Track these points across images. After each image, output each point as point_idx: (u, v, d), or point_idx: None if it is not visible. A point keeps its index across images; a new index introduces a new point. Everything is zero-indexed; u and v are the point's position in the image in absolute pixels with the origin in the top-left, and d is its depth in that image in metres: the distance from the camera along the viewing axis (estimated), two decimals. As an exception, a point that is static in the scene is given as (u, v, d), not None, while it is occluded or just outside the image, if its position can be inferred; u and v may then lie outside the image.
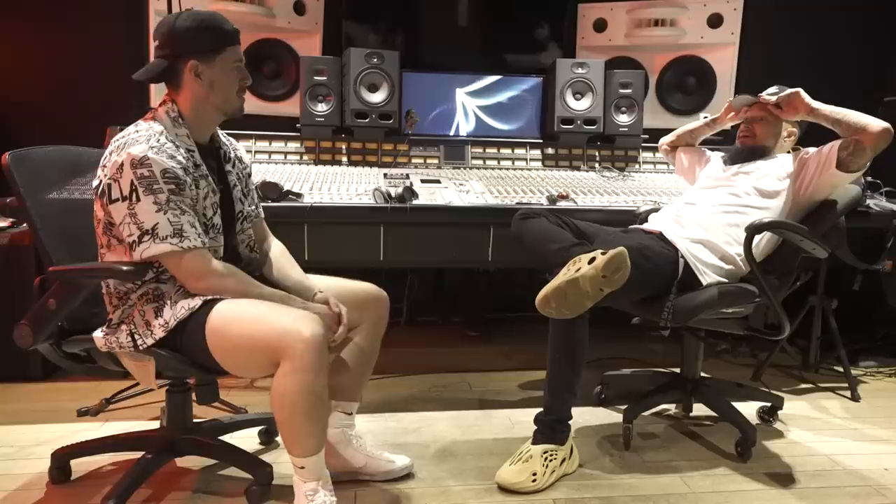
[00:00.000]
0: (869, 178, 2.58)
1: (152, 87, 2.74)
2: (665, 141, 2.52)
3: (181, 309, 1.48)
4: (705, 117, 2.47)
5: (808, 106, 1.96)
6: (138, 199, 1.43)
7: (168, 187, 1.44)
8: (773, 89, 2.10)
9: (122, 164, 1.43)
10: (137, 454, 1.71)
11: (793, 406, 2.39)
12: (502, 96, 3.00)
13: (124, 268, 1.47)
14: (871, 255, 2.55)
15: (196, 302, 1.48)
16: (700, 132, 2.42)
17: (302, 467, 1.47)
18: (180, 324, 1.47)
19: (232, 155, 1.69)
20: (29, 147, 1.66)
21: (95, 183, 1.52)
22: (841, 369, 2.61)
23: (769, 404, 2.27)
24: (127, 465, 1.75)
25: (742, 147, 2.16)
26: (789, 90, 2.00)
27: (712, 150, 2.42)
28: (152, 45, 1.53)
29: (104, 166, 1.49)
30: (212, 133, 1.64)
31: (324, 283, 1.72)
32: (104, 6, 2.99)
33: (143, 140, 1.46)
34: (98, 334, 1.54)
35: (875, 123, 1.88)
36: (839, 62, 3.35)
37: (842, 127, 1.92)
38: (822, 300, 2.68)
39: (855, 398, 2.52)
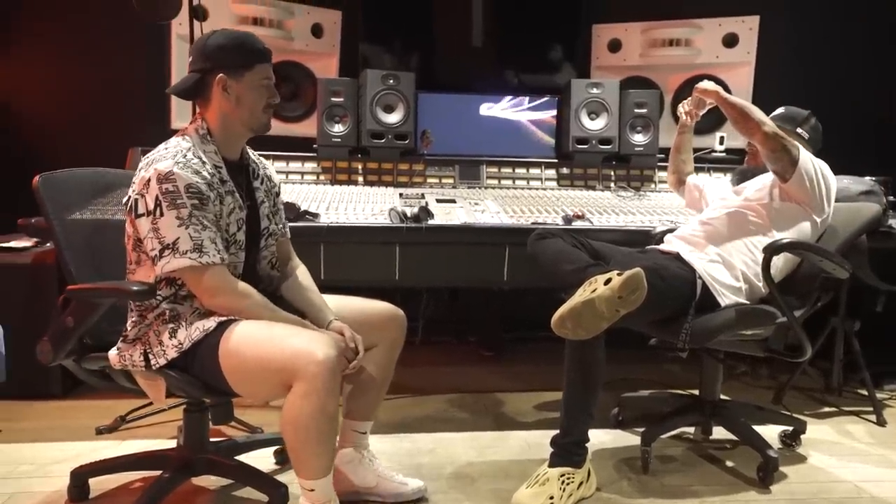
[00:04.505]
0: (891, 198, 2.55)
1: (173, 108, 2.79)
2: (668, 179, 2.56)
3: (196, 330, 1.49)
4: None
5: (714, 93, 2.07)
6: (162, 214, 1.46)
7: (191, 202, 1.47)
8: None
9: (149, 180, 1.47)
10: (155, 473, 1.72)
11: (816, 430, 2.34)
12: (517, 116, 3.01)
13: (134, 288, 1.49)
14: (894, 275, 2.51)
15: (211, 323, 1.49)
16: (680, 143, 2.45)
17: (311, 490, 1.46)
18: (194, 345, 1.48)
19: (261, 172, 1.71)
20: (59, 170, 1.71)
21: (125, 199, 1.55)
22: (865, 392, 2.55)
23: (791, 428, 2.23)
24: (144, 483, 1.75)
25: (748, 168, 2.18)
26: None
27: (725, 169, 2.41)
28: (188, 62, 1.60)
29: (134, 182, 1.52)
30: (241, 149, 1.66)
31: (341, 304, 1.72)
32: (127, 31, 3.04)
33: (170, 156, 1.49)
34: (113, 352, 1.56)
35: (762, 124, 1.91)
36: (852, 83, 3.33)
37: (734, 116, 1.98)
38: (844, 321, 2.63)
39: (881, 422, 2.45)
